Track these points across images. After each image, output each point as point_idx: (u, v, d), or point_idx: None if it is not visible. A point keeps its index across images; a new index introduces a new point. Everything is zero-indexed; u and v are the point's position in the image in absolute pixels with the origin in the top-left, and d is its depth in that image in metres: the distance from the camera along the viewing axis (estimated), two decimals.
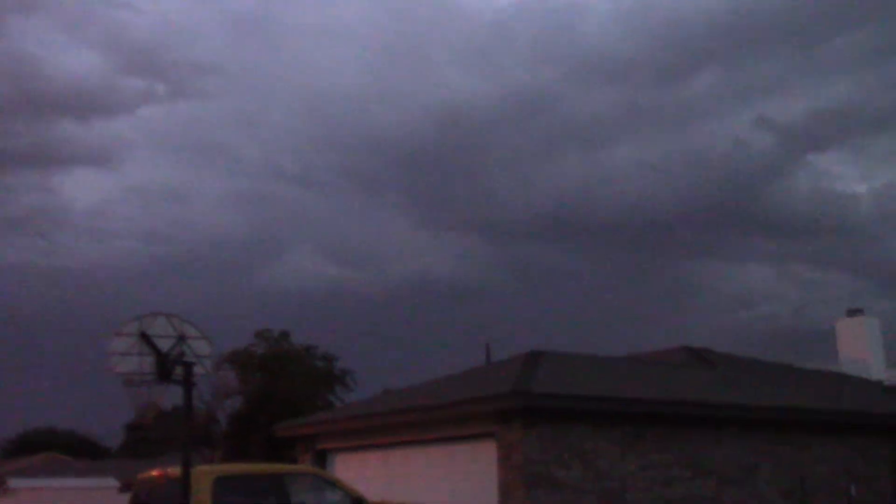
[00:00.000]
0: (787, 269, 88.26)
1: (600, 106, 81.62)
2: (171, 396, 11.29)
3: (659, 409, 14.88)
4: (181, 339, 10.63)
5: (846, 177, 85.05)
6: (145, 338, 10.43)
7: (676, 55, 79.06)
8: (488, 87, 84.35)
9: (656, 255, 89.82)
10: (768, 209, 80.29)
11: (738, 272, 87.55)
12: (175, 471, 10.84)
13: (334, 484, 11.94)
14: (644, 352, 22.63)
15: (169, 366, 10.39)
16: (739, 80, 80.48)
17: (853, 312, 22.80)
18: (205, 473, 10.92)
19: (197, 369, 10.63)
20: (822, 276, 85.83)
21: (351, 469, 17.07)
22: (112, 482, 40.41)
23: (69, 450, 57.68)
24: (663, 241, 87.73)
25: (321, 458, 18.10)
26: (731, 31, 75.73)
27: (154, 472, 11.82)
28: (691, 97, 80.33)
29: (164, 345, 10.52)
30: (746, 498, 15.60)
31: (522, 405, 13.37)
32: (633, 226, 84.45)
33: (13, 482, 41.36)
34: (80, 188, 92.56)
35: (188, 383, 10.49)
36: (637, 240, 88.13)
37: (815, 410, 16.96)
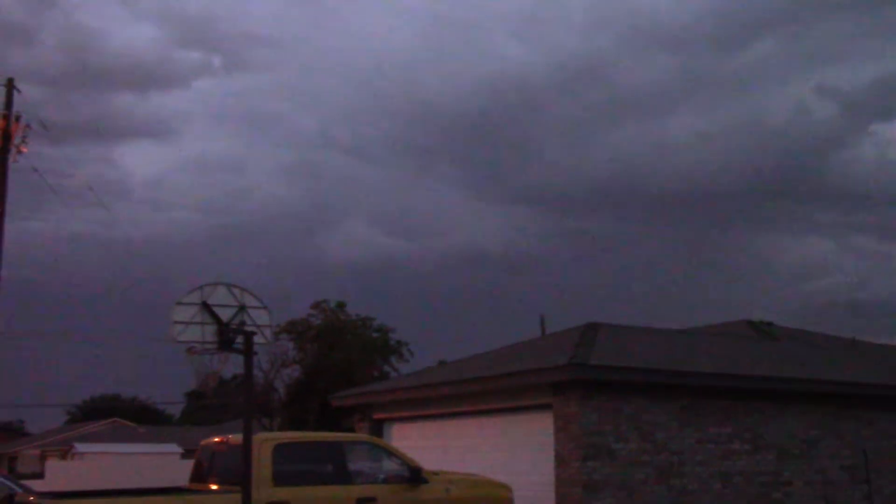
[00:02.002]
0: (850, 241, 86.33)
1: (656, 74, 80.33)
2: (231, 365, 11.46)
3: (718, 381, 14.70)
4: (242, 308, 10.74)
5: None
6: (207, 307, 10.55)
7: (735, 21, 77.30)
8: (541, 55, 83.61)
9: (715, 226, 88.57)
10: (830, 180, 78.52)
11: (799, 244, 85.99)
12: (236, 438, 11.01)
13: (391, 453, 12.02)
14: (704, 325, 22.36)
15: (230, 335, 10.51)
16: (801, 47, 78.54)
17: None
18: (265, 441, 11.08)
19: (257, 338, 10.73)
20: (886, 248, 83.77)
21: (407, 439, 17.21)
22: (174, 448, 41.41)
23: (132, 416, 59.23)
24: (722, 212, 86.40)
25: (377, 428, 18.27)
26: None
27: (216, 439, 12.02)
28: (750, 65, 78.61)
29: (225, 314, 10.64)
30: (807, 472, 15.37)
31: (579, 377, 13.32)
32: (690, 196, 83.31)
33: (80, 447, 42.66)
34: (139, 160, 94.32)
35: (249, 352, 10.61)
36: (695, 211, 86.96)
37: (879, 385, 16.62)
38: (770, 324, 22.09)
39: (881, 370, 18.24)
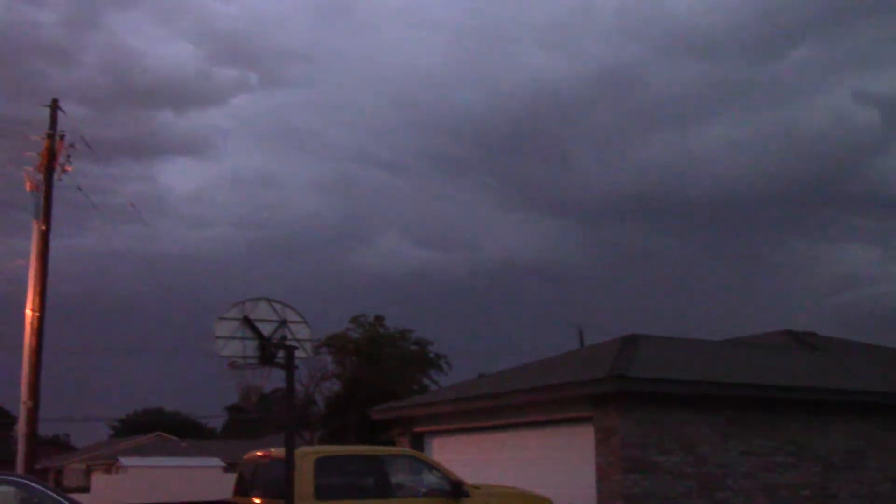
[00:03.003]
0: (893, 249, 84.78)
1: (690, 82, 79.79)
2: (271, 379, 11.57)
3: (762, 393, 14.52)
4: (282, 323, 10.86)
5: None
6: (248, 322, 10.69)
7: (769, 28, 76.61)
8: (574, 66, 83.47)
9: (753, 235, 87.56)
10: (870, 186, 77.27)
11: (840, 252, 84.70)
12: (279, 451, 11.11)
13: (432, 466, 12.05)
14: (744, 335, 22.10)
15: (271, 349, 10.63)
16: (837, 53, 77.56)
17: None
18: (307, 454, 11.17)
19: (298, 353, 10.85)
20: None
21: (447, 452, 17.20)
22: (216, 462, 41.77)
23: (175, 430, 59.81)
24: (760, 220, 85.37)
25: (418, 441, 18.28)
26: (827, 2, 72.91)
27: (258, 453, 12.15)
28: (786, 72, 77.76)
29: (267, 329, 10.77)
30: (853, 485, 15.10)
31: (620, 389, 13.24)
32: (727, 205, 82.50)
33: (124, 461, 43.19)
34: (178, 176, 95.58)
35: (290, 366, 10.72)
36: (732, 220, 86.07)
37: None
38: (811, 333, 21.77)
39: None
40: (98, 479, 38.84)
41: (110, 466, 45.67)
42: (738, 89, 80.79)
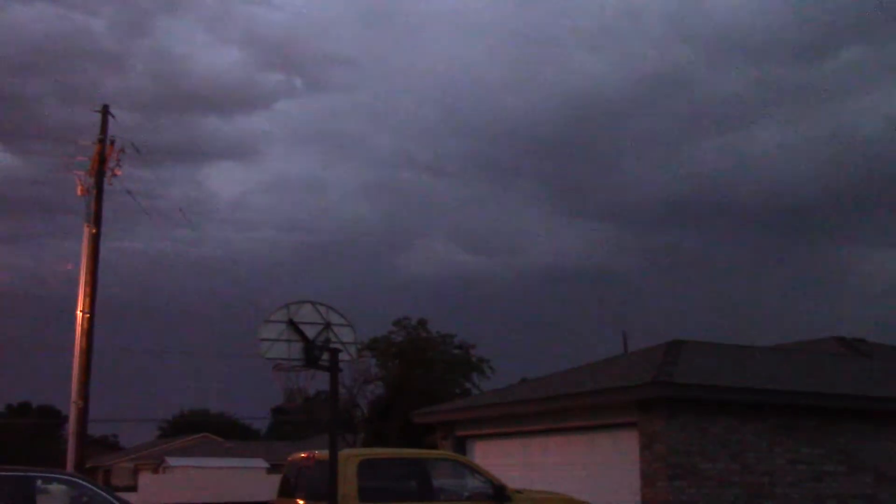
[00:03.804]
0: None
1: (738, 86, 78.76)
2: (316, 381, 11.65)
3: (810, 400, 14.27)
4: (327, 326, 10.93)
5: None
6: (293, 325, 10.77)
7: (817, 30, 75.37)
8: (620, 70, 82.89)
9: (801, 240, 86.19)
10: None
11: (890, 258, 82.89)
12: (322, 454, 11.18)
13: (475, 470, 12.03)
14: (793, 342, 21.76)
15: (316, 352, 10.70)
16: (888, 53, 75.95)
17: None
18: (350, 457, 11.22)
19: (342, 356, 10.91)
20: None
21: (490, 456, 17.17)
22: (260, 463, 42.19)
23: (221, 431, 60.50)
24: (809, 225, 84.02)
25: (460, 445, 18.27)
26: (875, 2, 71.52)
27: (302, 455, 12.23)
28: (835, 74, 76.42)
29: (311, 332, 10.84)
30: None
31: (665, 395, 13.11)
32: (775, 210, 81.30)
33: (171, 461, 43.82)
34: (224, 181, 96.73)
35: (334, 369, 10.79)
36: (781, 225, 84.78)
37: None
38: (862, 340, 21.36)
39: None
40: (145, 479, 39.41)
41: (157, 466, 46.36)
42: (787, 91, 79.65)
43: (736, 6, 77.96)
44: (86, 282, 20.58)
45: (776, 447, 13.90)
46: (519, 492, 11.89)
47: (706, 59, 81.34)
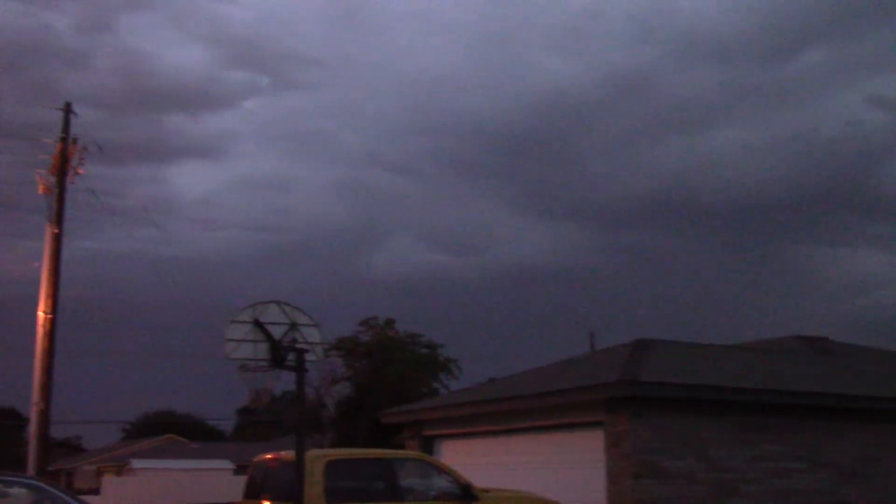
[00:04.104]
0: None
1: (702, 87, 79.55)
2: (282, 382, 11.59)
3: (774, 399, 14.46)
4: (293, 326, 10.88)
5: None
6: (259, 325, 10.71)
7: (780, 32, 76.38)
8: (586, 70, 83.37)
9: (764, 240, 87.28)
10: (883, 191, 76.95)
11: (851, 257, 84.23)
12: (289, 454, 11.12)
13: (442, 470, 12.04)
14: (755, 340, 22.02)
15: (282, 352, 10.65)
16: (848, 57, 77.22)
17: None
18: (317, 457, 11.17)
19: (309, 356, 10.86)
20: None
21: (457, 455, 17.18)
22: (226, 464, 41.83)
23: (186, 432, 59.95)
24: (771, 225, 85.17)
25: (427, 445, 18.27)
26: (839, 5, 72.62)
27: (268, 456, 12.15)
28: (797, 76, 77.45)
29: (277, 332, 10.79)
30: (866, 492, 15.01)
31: (631, 394, 13.20)
32: (739, 210, 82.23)
33: (135, 463, 43.31)
34: (190, 179, 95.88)
35: (301, 369, 10.74)
36: (744, 224, 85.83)
37: None
38: (824, 338, 21.67)
39: None
40: (109, 482, 38.90)
41: (121, 469, 45.80)
42: (750, 93, 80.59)
43: (700, 8, 78.83)
44: (48, 282, 20.30)
45: (740, 445, 14.05)
46: (486, 491, 11.91)
47: (671, 59, 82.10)
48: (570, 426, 14.70)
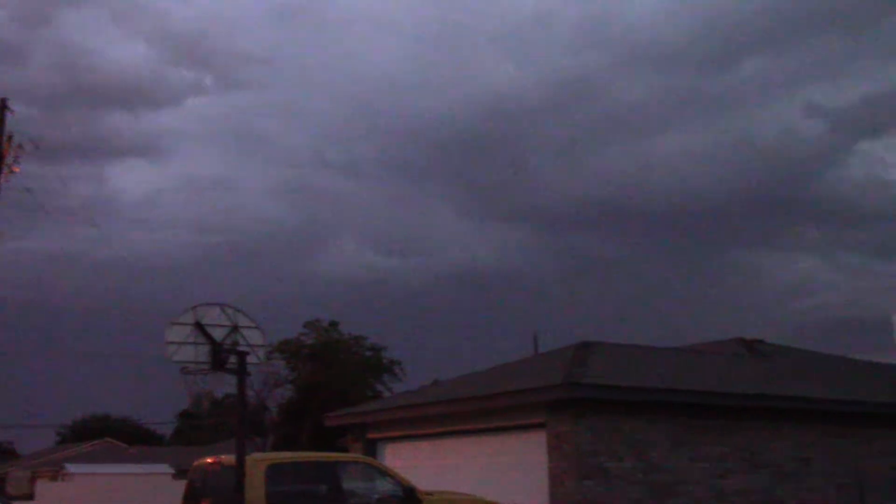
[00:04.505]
0: (840, 259, 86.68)
1: (646, 93, 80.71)
2: (223, 385, 11.43)
3: (712, 400, 14.69)
4: (235, 328, 10.74)
5: None
6: (200, 327, 10.56)
7: (723, 41, 77.86)
8: (532, 74, 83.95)
9: (705, 244, 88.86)
10: (819, 198, 78.96)
11: (789, 262, 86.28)
12: (229, 458, 10.97)
13: (385, 473, 12.00)
14: (696, 343, 22.37)
15: (223, 355, 10.51)
16: (788, 67, 79.11)
17: None
18: (258, 461, 11.04)
19: (250, 358, 10.73)
20: (876, 265, 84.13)
21: (401, 458, 17.14)
22: (166, 469, 41.14)
23: (124, 436, 58.86)
24: (712, 230, 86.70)
25: (371, 448, 18.19)
26: (779, 17, 74.34)
27: (208, 460, 11.98)
28: (739, 84, 79.05)
29: (219, 334, 10.64)
30: (801, 491, 15.35)
31: (573, 396, 13.30)
32: (681, 215, 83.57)
33: (70, 468, 42.35)
34: (131, 179, 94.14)
35: (242, 372, 10.61)
36: (686, 229, 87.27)
37: (874, 403, 16.62)
38: (761, 341, 22.11)
39: (874, 388, 18.27)
40: (43, 487, 37.98)
41: (56, 473, 44.72)
42: (693, 100, 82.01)
43: (645, 15, 79.93)
44: None
45: (680, 446, 14.26)
46: (429, 493, 11.90)
47: (616, 66, 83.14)
48: (514, 428, 14.76)
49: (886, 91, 75.49)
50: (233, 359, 10.61)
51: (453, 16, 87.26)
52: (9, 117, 20.86)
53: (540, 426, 13.98)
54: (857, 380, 18.99)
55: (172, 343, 10.41)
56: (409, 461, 16.68)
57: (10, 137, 20.70)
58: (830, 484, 15.71)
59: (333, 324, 39.50)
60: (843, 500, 15.75)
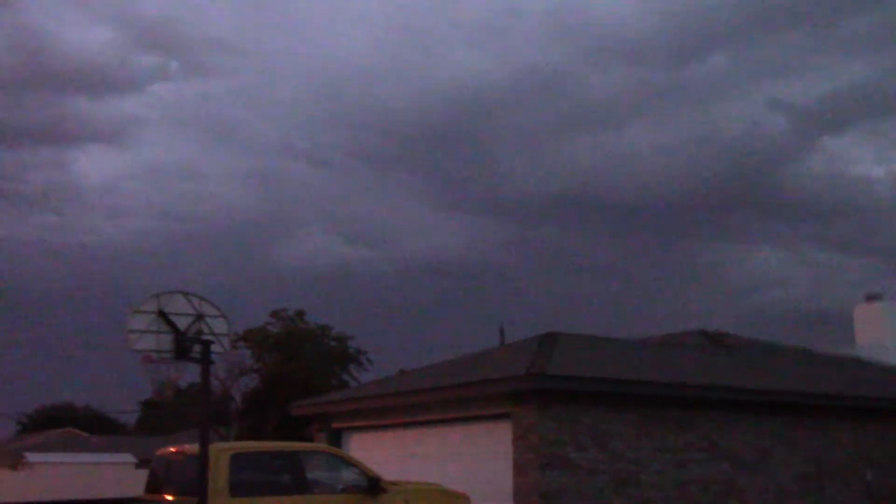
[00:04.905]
0: (802, 253, 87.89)
1: (614, 86, 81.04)
2: (187, 374, 11.35)
3: (675, 391, 14.86)
4: (199, 317, 10.65)
5: (862, 159, 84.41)
6: (163, 316, 10.45)
7: (691, 35, 78.27)
8: (500, 65, 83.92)
9: (671, 237, 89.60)
10: (782, 192, 79.91)
11: (752, 255, 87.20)
12: (192, 447, 10.89)
13: (349, 463, 11.97)
14: (660, 335, 22.58)
15: (187, 343, 10.41)
16: (753, 61, 79.76)
17: (872, 297, 22.68)
18: (222, 450, 10.97)
19: (215, 347, 10.65)
20: (838, 260, 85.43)
21: (366, 448, 17.15)
22: (129, 458, 40.78)
23: (86, 425, 58.25)
24: (678, 223, 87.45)
25: (336, 437, 18.18)
26: (745, 11, 74.90)
27: (171, 449, 11.88)
28: (705, 78, 79.69)
29: (183, 323, 10.55)
30: (761, 481, 15.58)
31: (537, 386, 13.38)
32: (647, 208, 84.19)
33: (31, 457, 41.82)
34: (93, 165, 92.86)
35: (206, 361, 10.52)
36: (651, 222, 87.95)
37: (833, 395, 16.90)
38: (724, 333, 22.38)
39: (834, 380, 18.58)
40: (2, 477, 37.51)
41: (16, 463, 44.15)
42: (660, 94, 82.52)
43: (614, 8, 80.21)
44: None
45: (643, 436, 14.41)
46: (394, 483, 11.91)
47: (584, 58, 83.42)
48: (479, 418, 14.82)
49: (850, 87, 76.54)
50: (197, 348, 10.52)
51: (422, 5, 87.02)
52: None
53: (505, 417, 14.05)
54: (817, 372, 19.30)
55: (134, 331, 10.28)
56: (374, 451, 16.69)
57: None
58: (790, 474, 15.98)
59: (299, 313, 39.31)
60: (801, 490, 16.02)
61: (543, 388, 13.42)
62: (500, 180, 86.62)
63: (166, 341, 10.40)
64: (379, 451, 16.71)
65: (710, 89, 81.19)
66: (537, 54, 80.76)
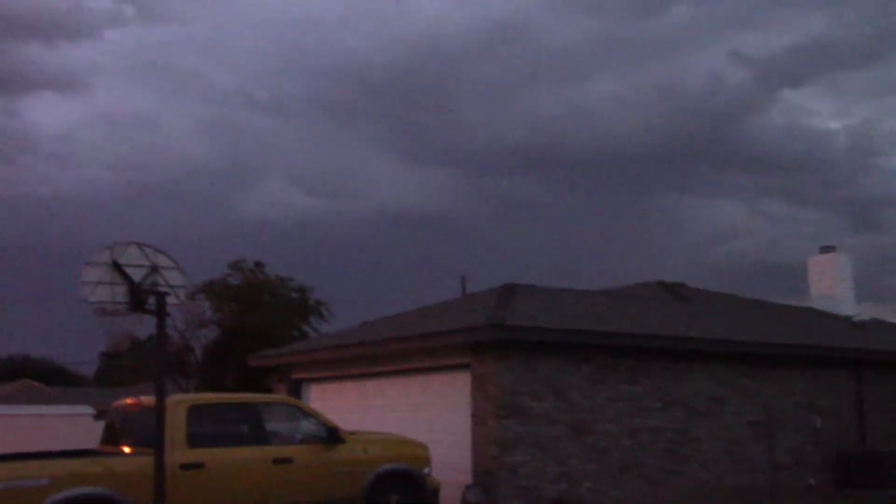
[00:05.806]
0: (760, 205, 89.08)
1: (575, 37, 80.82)
2: (145, 326, 11.23)
3: (630, 341, 15.07)
4: (154, 268, 10.51)
5: (821, 113, 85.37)
6: (117, 267, 10.30)
7: None
8: (461, 14, 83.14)
9: (631, 189, 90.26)
10: (741, 145, 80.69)
11: (711, 207, 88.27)
12: (149, 399, 10.84)
13: (308, 413, 12.02)
14: (618, 286, 22.82)
15: (142, 295, 10.29)
16: (714, 13, 79.93)
17: (826, 249, 23.07)
18: (179, 402, 10.94)
19: (170, 299, 10.54)
20: (795, 213, 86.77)
21: (326, 399, 17.22)
22: (87, 410, 40.53)
23: (43, 377, 57.72)
24: (638, 175, 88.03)
25: (296, 389, 18.22)
26: None
27: (128, 401, 11.82)
28: (667, 30, 79.69)
29: (137, 274, 10.41)
30: (714, 429, 15.94)
31: (496, 337, 13.48)
32: (607, 159, 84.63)
33: None
34: (45, 113, 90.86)
35: (161, 313, 10.42)
36: (612, 173, 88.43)
37: (782, 345, 17.26)
38: (682, 284, 22.67)
39: (786, 330, 18.96)
40: None
41: None
42: (623, 45, 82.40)
43: None
44: None
45: (598, 385, 14.63)
46: (352, 433, 12.00)
47: (547, 8, 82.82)
48: (438, 369, 14.93)
49: (810, 41, 77.03)
50: (152, 300, 10.41)
51: None
52: None
53: (464, 367, 14.16)
54: (770, 322, 19.67)
55: (88, 283, 10.13)
56: (334, 402, 16.77)
57: None
58: (741, 422, 16.35)
59: (259, 265, 39.00)
60: (753, 437, 16.43)
61: (502, 339, 13.53)
62: (464, 131, 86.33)
63: (120, 293, 10.26)
64: (339, 402, 16.79)
65: (672, 41, 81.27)
66: (501, 4, 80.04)
